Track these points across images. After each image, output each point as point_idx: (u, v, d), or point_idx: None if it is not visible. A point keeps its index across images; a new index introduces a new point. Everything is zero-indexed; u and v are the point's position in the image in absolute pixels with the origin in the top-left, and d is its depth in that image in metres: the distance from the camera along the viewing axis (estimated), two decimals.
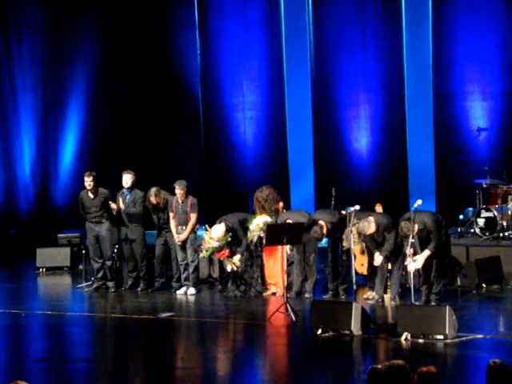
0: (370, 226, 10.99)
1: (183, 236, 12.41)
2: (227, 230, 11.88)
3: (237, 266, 11.94)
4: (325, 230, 11.47)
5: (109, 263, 12.97)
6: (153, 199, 12.57)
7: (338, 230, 11.72)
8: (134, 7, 17.13)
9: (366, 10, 15.92)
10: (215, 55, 17.23)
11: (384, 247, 10.96)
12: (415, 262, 10.53)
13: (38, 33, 16.96)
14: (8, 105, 16.86)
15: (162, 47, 17.33)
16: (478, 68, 15.14)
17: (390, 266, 11.28)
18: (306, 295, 11.78)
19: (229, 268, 11.95)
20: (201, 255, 12.13)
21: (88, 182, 12.86)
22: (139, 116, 17.17)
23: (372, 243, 11.21)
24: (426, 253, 10.60)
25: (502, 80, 15.08)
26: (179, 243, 12.44)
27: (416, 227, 10.46)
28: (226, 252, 11.98)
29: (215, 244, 11.86)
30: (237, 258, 11.98)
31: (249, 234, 12.01)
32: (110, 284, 12.97)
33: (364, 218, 11.11)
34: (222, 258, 12.06)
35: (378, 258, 10.99)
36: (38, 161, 17.09)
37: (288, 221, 11.53)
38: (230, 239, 11.93)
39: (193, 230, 12.50)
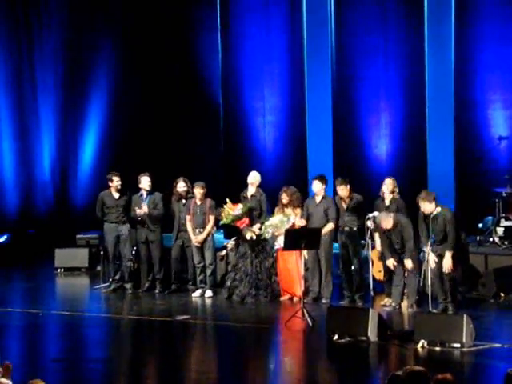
0: (387, 219, 10.99)
1: (201, 237, 12.43)
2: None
3: (256, 235, 11.94)
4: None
5: (128, 264, 13.00)
6: (183, 187, 12.63)
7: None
8: (154, 7, 17.16)
9: (389, 17, 15.88)
10: (237, 59, 17.24)
11: (406, 249, 10.91)
12: (445, 264, 10.55)
13: (59, 33, 17.00)
14: (28, 104, 16.93)
15: (184, 49, 17.34)
16: (501, 76, 15.06)
17: (406, 273, 11.27)
18: (323, 301, 11.77)
19: (248, 236, 11.98)
20: (221, 222, 12.14)
21: (116, 181, 12.95)
22: (159, 118, 17.20)
23: (384, 240, 11.18)
24: (448, 254, 10.57)
25: None
26: (197, 245, 12.46)
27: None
28: (246, 221, 12.04)
29: (236, 212, 11.94)
30: (256, 227, 12.01)
31: (263, 229, 12.02)
32: (128, 286, 12.99)
33: (385, 212, 11.13)
34: (241, 227, 12.06)
35: (409, 263, 10.91)
36: (57, 161, 17.14)
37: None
38: (249, 208, 11.97)
39: (211, 232, 12.54)
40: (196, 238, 12.43)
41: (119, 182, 12.98)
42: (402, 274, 11.19)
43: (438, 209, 10.69)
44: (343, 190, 11.76)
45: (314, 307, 11.32)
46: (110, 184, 13.03)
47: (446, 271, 10.61)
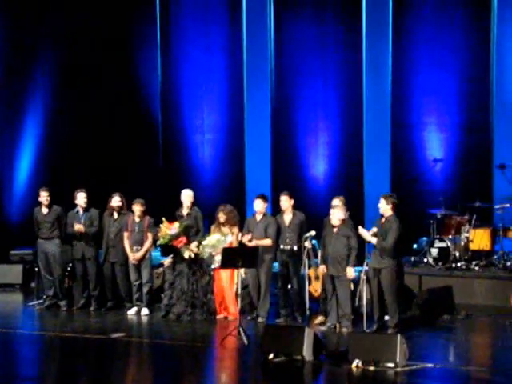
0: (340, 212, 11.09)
1: (139, 255, 12.38)
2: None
3: (194, 253, 11.92)
4: None
5: (57, 281, 12.87)
6: (118, 201, 12.56)
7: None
8: (96, 21, 17.06)
9: (327, 38, 16.06)
10: (176, 76, 17.24)
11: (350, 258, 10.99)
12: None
13: None
14: None
15: (123, 65, 17.27)
16: (436, 99, 15.34)
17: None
18: (260, 319, 11.80)
19: (186, 255, 11.95)
20: (158, 242, 12.11)
21: (45, 196, 12.86)
22: (97, 133, 17.08)
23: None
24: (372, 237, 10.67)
25: (458, 112, 15.28)
26: (134, 262, 12.40)
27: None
28: (184, 239, 12.00)
29: (173, 231, 11.90)
30: (194, 245, 11.98)
31: (200, 248, 12.02)
32: (62, 303, 12.88)
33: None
34: (179, 246, 12.03)
35: (350, 271, 10.95)
36: None
37: None
38: (186, 227, 11.97)
39: (149, 250, 12.49)
40: (134, 256, 12.37)
41: (45, 197, 12.87)
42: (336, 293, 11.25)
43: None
44: (285, 202, 11.83)
45: (252, 325, 11.34)
46: (39, 199, 12.94)
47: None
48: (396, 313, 10.78)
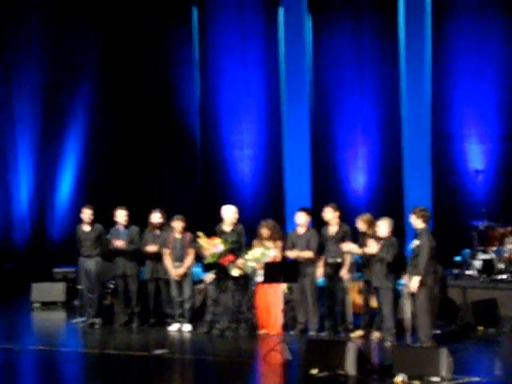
0: (388, 227, 11.00)
1: (181, 271, 12.39)
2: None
3: (242, 270, 11.90)
4: None
5: (94, 298, 12.94)
6: (158, 218, 12.60)
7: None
8: (135, 41, 17.22)
9: (365, 51, 16.03)
10: (214, 93, 17.30)
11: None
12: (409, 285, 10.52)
13: (37, 65, 17.01)
14: (6, 137, 16.89)
15: (162, 84, 17.39)
16: (476, 111, 15.23)
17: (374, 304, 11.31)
18: (311, 333, 11.77)
19: (235, 273, 11.93)
20: (206, 261, 12.10)
21: (88, 214, 12.95)
22: (137, 151, 17.20)
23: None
24: (416, 278, 10.50)
25: (499, 123, 15.16)
26: (177, 278, 12.41)
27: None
28: (231, 257, 11.98)
29: (219, 249, 11.89)
30: (241, 262, 11.96)
31: (241, 261, 12.00)
32: (96, 320, 12.92)
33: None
34: (226, 264, 12.02)
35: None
36: (35, 194, 17.07)
37: None
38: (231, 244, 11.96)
39: (190, 266, 12.50)
40: (176, 272, 12.39)
41: (87, 215, 12.95)
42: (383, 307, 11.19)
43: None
44: (329, 213, 11.80)
45: (297, 340, 11.31)
46: (82, 216, 13.03)
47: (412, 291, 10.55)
48: (427, 326, 10.62)
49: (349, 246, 11.47)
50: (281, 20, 16.67)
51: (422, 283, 10.44)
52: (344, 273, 11.60)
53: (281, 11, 16.65)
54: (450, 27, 15.34)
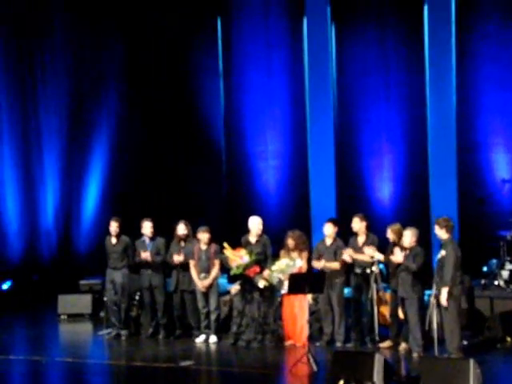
0: (412, 236, 10.95)
1: (207, 282, 12.38)
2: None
3: (268, 281, 11.88)
4: None
5: (123, 310, 12.96)
6: (183, 229, 12.63)
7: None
8: (158, 53, 17.29)
9: (390, 60, 15.98)
10: (239, 103, 17.32)
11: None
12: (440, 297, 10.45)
13: (63, 79, 17.12)
14: (32, 148, 17.00)
15: (187, 95, 17.44)
16: (502, 120, 15.12)
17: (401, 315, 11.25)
18: (338, 344, 11.74)
19: (261, 284, 11.91)
20: (232, 272, 12.10)
21: (114, 226, 13.00)
22: (162, 163, 17.24)
23: (391, 263, 11.15)
24: (445, 290, 10.43)
25: None
26: (203, 290, 12.40)
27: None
28: (257, 269, 11.97)
29: (245, 260, 11.88)
30: (267, 273, 11.95)
31: (267, 273, 11.98)
32: (123, 332, 12.95)
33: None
34: (252, 275, 12.01)
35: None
36: (60, 207, 17.15)
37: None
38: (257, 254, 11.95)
39: (216, 277, 12.49)
40: (202, 283, 12.38)
41: (114, 228, 12.99)
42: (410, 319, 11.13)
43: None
44: (357, 223, 11.79)
45: (323, 351, 11.27)
46: (110, 229, 13.08)
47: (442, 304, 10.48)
48: (456, 337, 10.53)
49: (370, 251, 11.42)
50: (305, 29, 16.67)
51: (449, 294, 10.37)
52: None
53: (305, 21, 16.65)
54: (474, 35, 15.26)
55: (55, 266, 16.82)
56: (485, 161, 15.23)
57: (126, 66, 17.39)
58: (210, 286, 12.42)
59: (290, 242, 12.12)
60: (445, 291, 10.39)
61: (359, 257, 11.63)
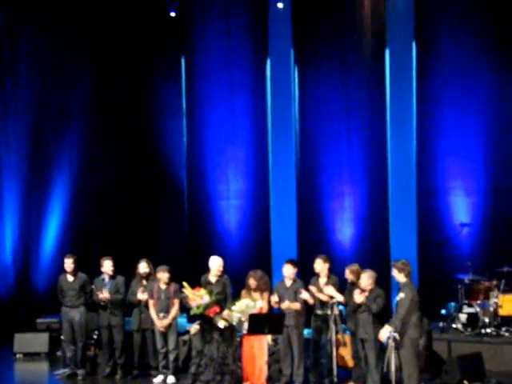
0: (368, 278, 11.00)
1: (166, 322, 12.32)
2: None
3: (228, 322, 11.86)
4: None
5: (80, 350, 12.83)
6: (145, 267, 12.58)
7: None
8: (122, 90, 17.27)
9: (352, 104, 16.13)
10: (201, 142, 17.34)
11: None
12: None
13: (25, 115, 17.01)
14: None
15: (149, 133, 17.42)
16: (461, 164, 15.32)
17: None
18: None
19: (221, 324, 11.87)
20: (192, 312, 12.05)
21: (68, 263, 12.90)
22: (123, 201, 17.17)
23: (351, 303, 11.16)
24: (387, 329, 10.46)
25: (484, 176, 15.23)
26: (162, 329, 12.33)
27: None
28: (217, 309, 11.94)
29: (205, 300, 11.85)
30: (226, 313, 11.91)
31: (227, 312, 11.95)
32: (80, 372, 12.81)
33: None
34: (212, 315, 11.96)
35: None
36: (19, 244, 16.96)
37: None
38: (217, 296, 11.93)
39: (176, 317, 12.43)
40: (161, 323, 12.32)
41: (69, 265, 12.89)
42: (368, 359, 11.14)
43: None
44: (318, 265, 11.83)
45: None
46: (64, 266, 12.98)
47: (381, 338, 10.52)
48: (414, 379, 10.55)
49: (330, 290, 11.46)
50: (268, 71, 16.80)
51: (403, 336, 10.40)
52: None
53: (268, 62, 16.79)
54: (434, 81, 15.48)
55: (12, 303, 16.59)
56: (444, 204, 15.39)
57: (89, 103, 17.33)
58: (169, 326, 12.36)
59: (252, 282, 12.11)
60: (387, 330, 10.42)
61: (320, 296, 11.65)
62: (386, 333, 10.43)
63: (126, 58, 17.26)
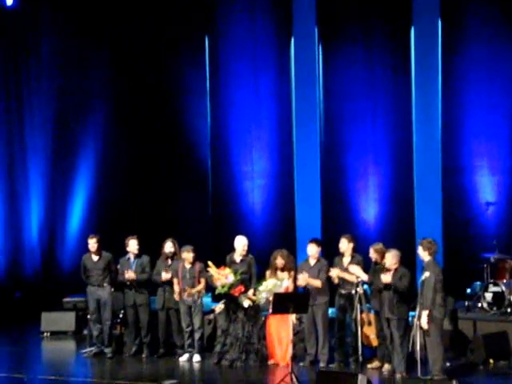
0: (392, 258, 10.98)
1: (193, 291, 12.32)
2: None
3: (253, 301, 11.88)
4: None
5: (107, 328, 12.90)
6: (170, 247, 12.63)
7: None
8: (145, 72, 17.30)
9: (376, 83, 16.05)
10: (225, 123, 17.34)
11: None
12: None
13: (49, 95, 17.11)
14: (17, 165, 16.99)
15: (173, 115, 17.43)
16: (487, 142, 15.22)
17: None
18: (321, 364, 11.73)
19: (246, 304, 11.93)
20: (217, 291, 12.10)
21: (91, 243, 12.96)
22: (148, 182, 17.23)
23: (375, 282, 11.15)
24: (425, 313, 10.47)
25: (510, 155, 15.14)
26: (188, 299, 12.31)
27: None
28: (242, 288, 11.99)
29: (230, 279, 11.90)
30: (251, 293, 11.96)
31: (257, 294, 12.00)
32: (107, 350, 12.90)
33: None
34: (237, 294, 12.01)
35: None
36: (45, 224, 17.11)
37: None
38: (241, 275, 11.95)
39: (201, 292, 12.47)
40: (188, 292, 12.27)
41: (93, 245, 12.94)
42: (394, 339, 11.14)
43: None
44: (343, 244, 11.83)
45: (307, 371, 11.26)
46: (89, 246, 13.05)
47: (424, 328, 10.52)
48: (439, 359, 10.52)
49: (356, 269, 11.45)
50: (292, 50, 16.75)
51: (430, 316, 10.40)
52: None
53: (293, 41, 16.73)
54: (460, 59, 15.37)
55: (39, 283, 16.75)
56: (469, 183, 15.31)
57: (112, 86, 17.38)
58: (194, 305, 12.38)
59: (279, 262, 12.14)
60: (425, 314, 10.44)
61: (345, 275, 11.65)
62: (425, 318, 10.42)
63: (150, 39, 17.26)
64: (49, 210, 17.13)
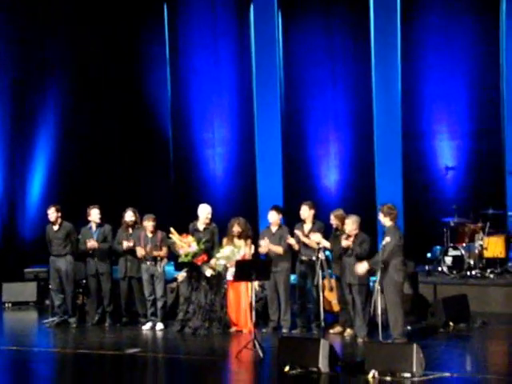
0: (352, 223, 11.05)
1: (156, 253, 12.32)
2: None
3: (214, 270, 11.92)
4: None
5: (69, 298, 12.87)
6: (131, 216, 12.59)
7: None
8: (105, 41, 17.16)
9: (336, 49, 16.07)
10: (185, 91, 17.28)
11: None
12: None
13: (7, 64, 16.90)
14: None
15: (133, 83, 17.34)
16: (446, 107, 15.32)
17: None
18: (284, 330, 11.80)
19: (208, 273, 11.95)
20: (180, 260, 12.10)
21: (50, 213, 12.88)
22: (108, 150, 17.14)
23: (336, 248, 11.23)
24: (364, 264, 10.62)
25: (469, 120, 15.25)
26: (154, 254, 12.31)
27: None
28: (205, 257, 12.01)
29: (193, 248, 11.90)
30: (214, 262, 11.98)
31: (214, 261, 12.02)
32: (72, 320, 12.87)
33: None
34: (199, 263, 12.02)
35: (362, 267, 10.73)
36: (4, 193, 16.96)
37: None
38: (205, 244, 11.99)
39: (163, 259, 12.47)
40: (150, 251, 12.27)
41: (51, 215, 12.86)
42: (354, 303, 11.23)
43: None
44: (305, 211, 11.85)
45: (270, 337, 11.33)
46: (48, 217, 12.97)
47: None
48: (400, 323, 10.64)
49: (317, 237, 11.50)
50: (252, 17, 16.68)
51: (391, 279, 10.49)
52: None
53: (252, 8, 16.66)
54: (418, 25, 15.42)
55: (0, 253, 16.64)
56: (429, 148, 15.42)
57: (71, 55, 17.20)
58: (156, 274, 12.38)
59: (236, 229, 12.14)
60: (364, 265, 10.56)
61: (306, 241, 11.70)
62: (362, 267, 10.57)
63: (108, 8, 17.08)
64: (8, 179, 16.96)
